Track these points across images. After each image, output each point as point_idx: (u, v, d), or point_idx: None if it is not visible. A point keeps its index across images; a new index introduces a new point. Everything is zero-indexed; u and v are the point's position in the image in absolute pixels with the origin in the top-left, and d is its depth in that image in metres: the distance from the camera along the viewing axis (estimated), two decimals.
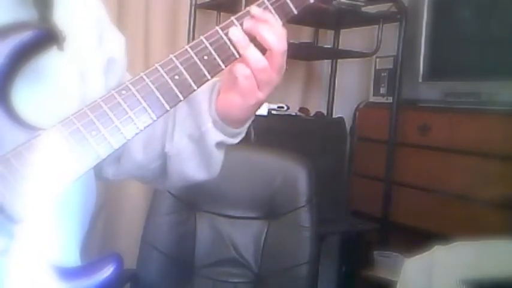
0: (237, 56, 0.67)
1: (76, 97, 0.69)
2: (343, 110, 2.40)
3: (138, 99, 0.63)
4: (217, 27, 0.67)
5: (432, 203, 1.91)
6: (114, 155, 0.67)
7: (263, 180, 1.54)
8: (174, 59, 0.65)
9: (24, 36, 0.59)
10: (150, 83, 0.63)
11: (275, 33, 0.67)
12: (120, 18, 1.98)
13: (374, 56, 2.24)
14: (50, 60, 0.63)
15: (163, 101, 0.64)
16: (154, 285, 1.50)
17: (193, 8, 2.03)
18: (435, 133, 1.95)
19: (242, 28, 0.68)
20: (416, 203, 2.01)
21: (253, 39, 0.68)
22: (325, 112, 2.44)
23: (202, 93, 0.74)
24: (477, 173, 1.76)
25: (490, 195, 1.68)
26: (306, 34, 2.46)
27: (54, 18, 0.63)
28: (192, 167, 0.80)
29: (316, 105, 2.52)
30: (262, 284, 1.51)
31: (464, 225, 1.72)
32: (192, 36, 2.03)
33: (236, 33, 0.67)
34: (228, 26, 0.67)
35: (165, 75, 0.64)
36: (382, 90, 2.24)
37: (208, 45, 0.66)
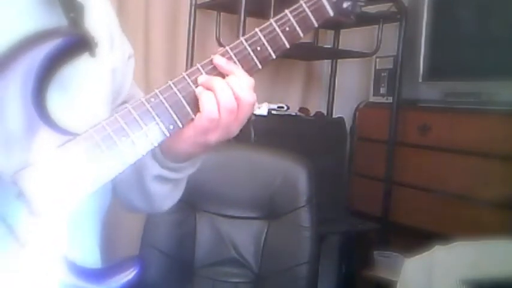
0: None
1: (106, 101, 0.71)
2: (343, 110, 2.40)
3: (166, 107, 0.65)
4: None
5: (432, 203, 1.91)
6: None
7: (263, 180, 1.53)
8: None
9: (58, 42, 0.60)
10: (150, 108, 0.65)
11: (241, 84, 0.67)
12: (120, 18, 1.98)
13: (374, 56, 2.24)
14: (82, 66, 0.64)
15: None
16: (154, 285, 1.50)
17: (193, 8, 2.04)
18: (435, 133, 1.95)
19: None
20: (416, 203, 2.01)
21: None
22: (325, 112, 2.44)
23: None
24: (477, 173, 1.76)
25: (490, 195, 1.68)
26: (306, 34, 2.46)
27: (85, 24, 0.63)
28: (135, 197, 0.80)
29: (316, 105, 2.53)
30: (262, 284, 1.51)
31: (464, 225, 1.72)
32: (192, 36, 2.03)
33: (220, 60, 0.68)
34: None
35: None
36: (382, 90, 2.24)
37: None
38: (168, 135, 0.66)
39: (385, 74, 2.22)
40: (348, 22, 0.80)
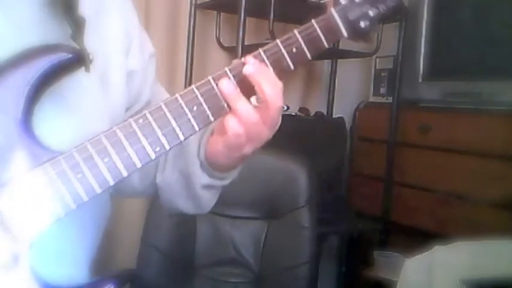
0: (227, 110, 0.65)
1: (103, 115, 0.69)
2: (343, 110, 2.40)
3: (153, 128, 0.62)
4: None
5: (432, 203, 1.91)
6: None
7: (263, 180, 1.53)
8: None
9: (52, 58, 0.59)
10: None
11: (273, 86, 0.64)
12: None
13: (374, 56, 2.24)
14: (76, 81, 0.63)
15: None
16: (154, 285, 1.50)
17: (193, 8, 2.03)
18: (435, 133, 1.95)
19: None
20: (416, 203, 2.01)
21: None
22: (325, 112, 2.44)
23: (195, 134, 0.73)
24: (477, 173, 1.76)
25: (490, 195, 1.67)
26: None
27: (84, 38, 0.62)
28: (180, 200, 0.80)
29: (316, 105, 2.52)
30: (262, 284, 1.51)
31: (464, 225, 1.72)
32: (192, 36, 2.03)
33: (226, 86, 0.64)
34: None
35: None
36: (382, 90, 2.24)
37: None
38: (153, 158, 0.62)
39: (385, 74, 2.22)
40: (366, 42, 0.76)
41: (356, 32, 0.73)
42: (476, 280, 1.06)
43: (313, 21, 0.70)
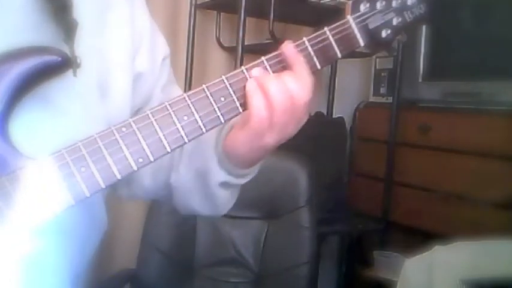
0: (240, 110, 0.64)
1: (97, 119, 0.67)
2: (343, 110, 2.40)
3: (138, 138, 0.59)
4: (243, 67, 0.63)
5: (432, 203, 1.91)
6: (125, 179, 0.64)
7: (263, 180, 1.52)
8: (187, 98, 0.61)
9: (37, 59, 0.58)
10: (154, 123, 0.60)
11: (299, 82, 0.63)
12: None
13: (374, 56, 2.24)
14: (67, 85, 0.62)
15: (165, 143, 0.61)
16: (154, 285, 1.50)
17: (193, 8, 2.03)
18: (435, 133, 1.95)
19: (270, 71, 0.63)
20: (416, 203, 2.01)
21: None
22: (325, 112, 2.44)
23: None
24: (477, 173, 1.76)
25: (490, 195, 1.67)
26: (306, 34, 2.45)
27: (74, 42, 0.61)
28: (196, 202, 0.77)
29: (316, 105, 2.52)
30: (262, 284, 1.51)
31: (464, 225, 1.71)
32: (192, 36, 2.03)
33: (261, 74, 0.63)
34: (254, 66, 0.63)
35: (173, 115, 0.61)
36: (382, 90, 2.24)
37: (228, 85, 0.62)
38: (136, 169, 0.59)
39: (385, 74, 2.22)
40: (388, 52, 0.71)
41: (376, 42, 0.68)
42: (476, 280, 1.06)
43: (325, 28, 0.67)
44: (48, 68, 0.58)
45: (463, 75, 1.87)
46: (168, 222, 1.54)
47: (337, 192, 2.14)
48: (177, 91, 0.81)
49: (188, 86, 2.00)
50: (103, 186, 0.58)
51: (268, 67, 0.64)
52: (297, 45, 0.66)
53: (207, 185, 0.73)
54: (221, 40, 2.14)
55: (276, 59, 0.64)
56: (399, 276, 1.22)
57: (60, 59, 0.59)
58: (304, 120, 0.65)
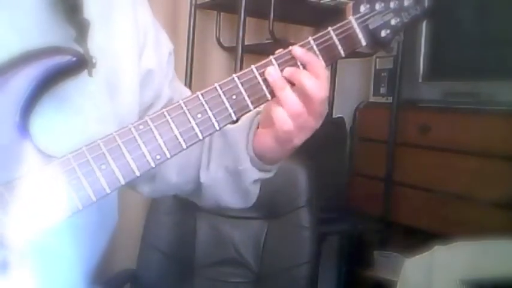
0: (269, 98, 0.65)
1: (108, 118, 0.68)
2: (343, 110, 2.40)
3: (155, 136, 0.61)
4: (252, 66, 0.64)
5: (432, 203, 1.91)
6: (148, 174, 0.66)
7: (263, 180, 1.53)
8: (200, 96, 0.62)
9: (54, 61, 0.58)
10: (170, 120, 0.61)
11: (315, 79, 0.64)
12: None
13: (374, 56, 2.24)
14: (81, 85, 0.62)
15: (180, 139, 0.62)
16: (154, 285, 1.50)
17: (193, 8, 2.03)
18: (435, 133, 1.95)
19: (280, 69, 0.64)
20: (416, 203, 2.00)
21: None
22: None
23: (240, 128, 0.73)
24: (477, 173, 1.76)
25: (490, 195, 1.67)
26: (306, 34, 2.45)
27: (87, 41, 0.61)
28: (227, 197, 0.80)
29: None
30: (262, 284, 1.51)
31: (464, 225, 1.71)
32: (192, 36, 2.03)
33: (272, 73, 0.64)
34: (265, 65, 0.64)
35: (188, 113, 0.62)
36: (382, 90, 2.24)
37: (239, 84, 0.64)
38: (153, 166, 0.61)
39: (385, 74, 2.22)
40: (387, 52, 0.74)
41: (376, 42, 0.71)
42: (476, 280, 1.06)
43: (329, 28, 0.68)
44: (65, 69, 0.59)
45: (463, 75, 1.87)
46: (168, 222, 1.54)
47: (337, 192, 2.14)
48: (183, 87, 0.83)
49: (188, 86, 2.00)
50: (123, 182, 0.59)
51: (276, 66, 0.65)
52: (303, 45, 0.67)
53: (242, 182, 0.76)
54: (221, 40, 2.14)
55: (285, 58, 0.65)
56: (399, 276, 1.22)
57: (76, 59, 0.59)
58: (325, 113, 0.68)
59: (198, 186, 0.79)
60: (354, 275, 2.27)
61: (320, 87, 0.64)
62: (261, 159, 0.73)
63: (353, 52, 0.71)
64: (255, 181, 0.77)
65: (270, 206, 1.53)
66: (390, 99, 2.14)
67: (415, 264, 1.20)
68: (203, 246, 1.55)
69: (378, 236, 2.17)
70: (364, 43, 0.70)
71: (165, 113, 0.62)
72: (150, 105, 0.77)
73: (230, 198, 0.80)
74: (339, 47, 0.68)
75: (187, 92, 0.83)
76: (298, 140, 0.68)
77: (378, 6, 0.70)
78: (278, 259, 1.50)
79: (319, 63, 0.65)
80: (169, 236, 1.53)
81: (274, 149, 0.70)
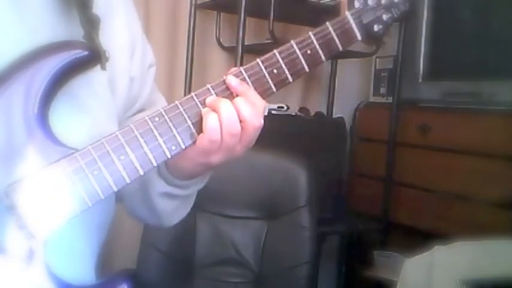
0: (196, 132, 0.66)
1: (112, 116, 0.69)
2: (343, 110, 2.40)
3: (170, 127, 0.63)
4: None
5: (432, 203, 1.91)
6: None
7: (263, 180, 1.53)
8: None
9: (69, 55, 0.59)
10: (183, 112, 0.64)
11: (251, 107, 0.65)
12: None
13: (374, 56, 2.24)
14: (88, 82, 0.64)
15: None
16: (154, 285, 1.50)
17: (193, 8, 2.03)
18: (435, 133, 1.95)
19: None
20: (416, 203, 2.01)
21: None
22: (325, 112, 2.44)
23: None
24: (477, 173, 1.76)
25: (490, 195, 1.67)
26: (306, 34, 2.45)
27: (99, 37, 0.63)
28: (141, 211, 0.79)
29: (316, 105, 2.52)
30: (262, 284, 1.51)
31: (464, 225, 1.72)
32: (192, 36, 2.03)
33: (232, 82, 0.66)
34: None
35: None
36: (382, 90, 2.24)
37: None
38: (169, 156, 0.63)
39: (385, 74, 2.22)
40: (378, 47, 0.77)
41: (369, 36, 0.74)
42: (476, 280, 1.06)
43: (327, 23, 0.71)
44: (80, 63, 0.60)
45: (463, 75, 1.87)
46: None
47: (337, 192, 2.14)
48: (160, 99, 0.83)
49: (188, 86, 2.00)
50: (141, 173, 0.62)
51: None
52: (300, 41, 0.70)
53: (148, 196, 0.75)
54: (221, 40, 2.14)
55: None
56: (399, 276, 1.22)
57: (89, 53, 0.60)
58: (253, 143, 0.68)
59: (122, 198, 0.79)
60: (354, 275, 2.27)
61: (256, 117, 0.66)
62: (174, 171, 0.71)
63: (352, 52, 0.72)
64: (163, 195, 0.74)
65: (270, 206, 1.53)
66: (390, 99, 2.14)
67: (415, 264, 1.20)
68: (203, 246, 1.55)
69: (377, 236, 2.17)
70: (359, 37, 0.73)
71: (178, 105, 0.64)
72: (125, 111, 0.77)
73: (139, 212, 0.79)
74: (337, 41, 0.71)
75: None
76: (216, 158, 0.66)
77: (370, 2, 0.74)
78: (278, 259, 1.50)
79: (255, 93, 0.67)
80: (169, 236, 1.53)
81: (189, 158, 0.68)
